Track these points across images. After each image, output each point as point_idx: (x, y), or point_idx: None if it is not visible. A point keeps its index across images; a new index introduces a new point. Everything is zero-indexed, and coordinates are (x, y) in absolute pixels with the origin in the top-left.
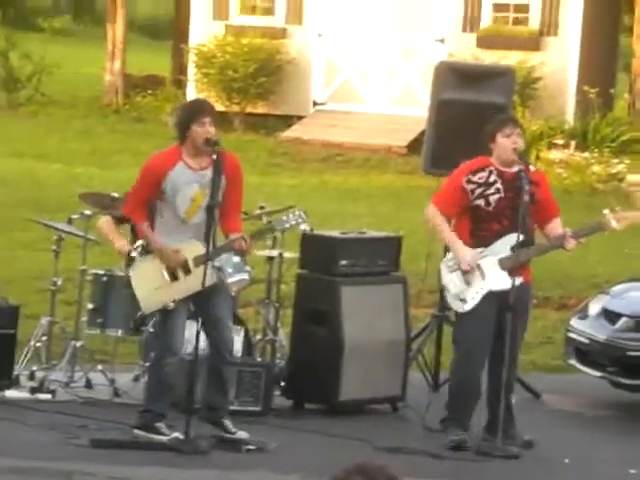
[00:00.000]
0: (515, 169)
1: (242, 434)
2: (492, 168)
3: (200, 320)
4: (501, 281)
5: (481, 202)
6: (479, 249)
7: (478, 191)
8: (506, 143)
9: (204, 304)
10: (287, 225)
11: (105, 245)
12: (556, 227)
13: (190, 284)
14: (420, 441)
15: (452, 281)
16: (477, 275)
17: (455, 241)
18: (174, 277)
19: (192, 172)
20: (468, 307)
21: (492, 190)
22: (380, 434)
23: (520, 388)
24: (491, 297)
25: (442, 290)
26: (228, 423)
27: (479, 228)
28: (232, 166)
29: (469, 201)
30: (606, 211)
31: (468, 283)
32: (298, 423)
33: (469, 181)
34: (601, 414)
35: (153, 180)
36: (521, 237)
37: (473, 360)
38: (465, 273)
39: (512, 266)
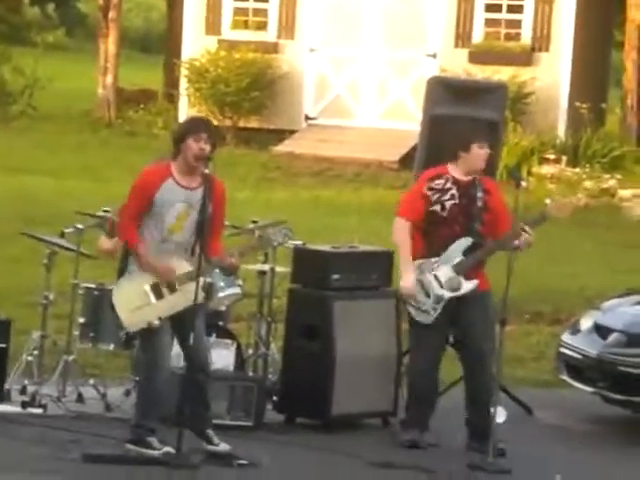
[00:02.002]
0: (469, 178)
1: (225, 446)
2: (449, 176)
3: (175, 333)
4: (459, 286)
5: (437, 207)
6: (433, 259)
7: (435, 197)
8: (480, 154)
9: (181, 318)
10: (274, 244)
11: (97, 259)
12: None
13: (175, 302)
14: (412, 456)
15: (409, 298)
16: (435, 284)
17: (405, 264)
18: (159, 295)
19: (181, 189)
20: (432, 318)
21: (447, 196)
22: (372, 449)
23: (512, 403)
24: (449, 303)
25: (404, 304)
26: (212, 434)
27: (432, 234)
28: (219, 191)
29: (428, 207)
30: (548, 201)
31: (427, 294)
32: (290, 438)
33: (429, 188)
34: (593, 429)
35: (144, 195)
36: (470, 240)
37: (433, 365)
38: (422, 275)
39: (467, 270)
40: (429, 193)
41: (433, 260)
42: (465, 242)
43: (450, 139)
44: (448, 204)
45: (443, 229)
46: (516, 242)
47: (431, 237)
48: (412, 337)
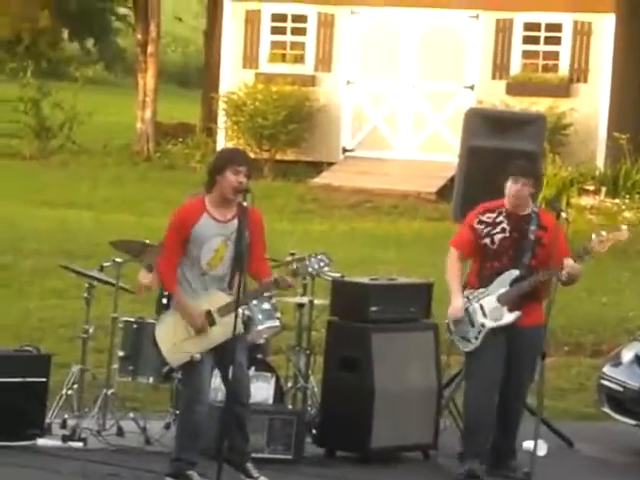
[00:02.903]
0: (527, 212)
1: (264, 479)
2: (502, 209)
3: (217, 367)
4: (501, 317)
5: (487, 241)
6: (481, 290)
7: (485, 230)
8: (510, 190)
9: (224, 352)
10: (309, 269)
11: (136, 293)
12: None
13: (215, 335)
14: None
15: (456, 326)
16: (479, 313)
17: (453, 289)
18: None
19: (216, 223)
20: (473, 346)
21: (497, 230)
22: None
23: (553, 436)
24: (498, 333)
25: (450, 334)
26: (251, 467)
27: (482, 266)
28: (256, 220)
29: (479, 240)
30: (594, 236)
31: (472, 323)
32: (330, 471)
33: (480, 221)
34: (635, 462)
35: (180, 233)
36: (517, 272)
37: (484, 395)
38: (456, 322)
39: (510, 300)
40: (478, 226)
41: (481, 290)
42: (513, 274)
43: (491, 170)
44: (497, 237)
45: (493, 261)
46: (562, 274)
47: (482, 269)
48: (465, 367)
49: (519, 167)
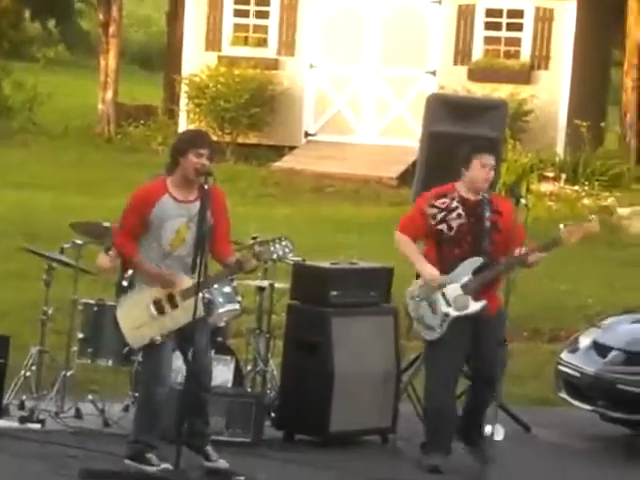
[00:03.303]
0: (479, 197)
1: (223, 463)
2: (455, 194)
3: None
4: (465, 306)
5: (443, 227)
6: (443, 276)
7: (440, 216)
8: (481, 174)
9: (186, 334)
10: (274, 256)
11: (96, 275)
12: (521, 250)
13: (177, 318)
14: (411, 473)
15: (419, 310)
16: (442, 302)
17: (418, 258)
18: (161, 311)
19: (178, 204)
20: (437, 335)
21: (453, 215)
22: (371, 466)
23: (510, 421)
24: (462, 322)
25: (410, 320)
26: (210, 450)
27: (442, 253)
28: (218, 199)
29: (431, 225)
30: (561, 226)
31: (434, 311)
32: (289, 454)
33: (432, 205)
34: (592, 447)
35: (140, 212)
36: (481, 260)
37: (446, 385)
38: (432, 291)
39: (475, 289)
40: (430, 211)
41: (443, 277)
42: (475, 262)
43: (451, 156)
44: (455, 223)
45: (452, 248)
46: (527, 263)
47: (441, 256)
48: (425, 358)
49: (486, 148)
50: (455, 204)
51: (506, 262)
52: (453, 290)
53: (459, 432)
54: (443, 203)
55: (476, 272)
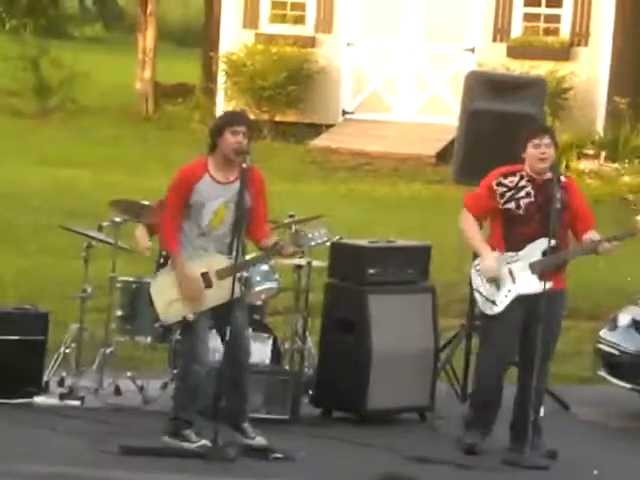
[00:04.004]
0: (547, 176)
1: (261, 440)
2: (523, 173)
3: (218, 328)
4: (531, 285)
5: (512, 205)
6: (510, 253)
7: (508, 194)
8: (534, 153)
9: (222, 313)
10: (312, 243)
11: (135, 253)
12: (591, 236)
13: (211, 297)
14: (448, 451)
15: (483, 284)
16: (508, 278)
17: (481, 246)
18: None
19: (218, 185)
20: (498, 310)
21: (522, 194)
22: (408, 444)
23: (549, 399)
24: (520, 301)
25: (472, 294)
26: (248, 428)
27: (510, 232)
28: (257, 180)
29: (499, 204)
30: (638, 217)
31: (498, 286)
32: (326, 432)
33: (499, 184)
34: (631, 426)
35: (182, 192)
36: (552, 242)
37: (498, 363)
38: (499, 266)
39: (542, 270)
40: (499, 189)
41: (510, 254)
42: (545, 242)
43: (491, 133)
44: (523, 202)
45: (521, 227)
46: (600, 250)
47: (509, 234)
48: (481, 333)
49: (537, 127)
50: (524, 183)
51: (580, 248)
52: (520, 268)
53: (513, 427)
54: (511, 181)
55: (545, 253)
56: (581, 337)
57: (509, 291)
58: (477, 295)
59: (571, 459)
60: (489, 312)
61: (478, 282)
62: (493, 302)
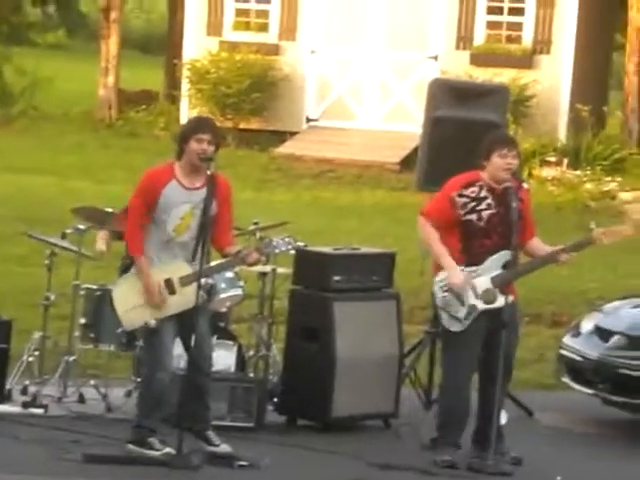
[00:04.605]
0: (504, 185)
1: (225, 447)
2: (482, 183)
3: (179, 336)
4: (494, 300)
5: (473, 217)
6: (472, 268)
7: (470, 205)
8: (500, 163)
9: (186, 320)
10: (277, 251)
11: (99, 260)
12: (539, 245)
13: (174, 304)
14: (413, 457)
15: (446, 300)
16: (470, 294)
17: (447, 261)
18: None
19: (184, 190)
20: (462, 326)
21: (483, 205)
22: (373, 450)
23: (512, 405)
24: (482, 316)
25: (436, 309)
26: (212, 435)
27: (470, 244)
28: (224, 187)
29: (460, 215)
30: (593, 226)
31: (462, 302)
32: (291, 439)
33: (461, 195)
34: (593, 431)
35: (147, 196)
36: (510, 254)
37: (463, 379)
38: (456, 292)
39: (505, 284)
40: (460, 200)
41: (472, 269)
42: (505, 255)
43: (454, 141)
44: (485, 214)
45: (481, 239)
46: (560, 260)
47: (469, 247)
48: (445, 348)
49: (505, 137)
50: (484, 193)
51: (538, 261)
52: (483, 283)
53: (476, 434)
54: (473, 192)
55: (505, 266)
56: (543, 344)
57: (473, 307)
58: (441, 312)
59: (535, 465)
60: (454, 329)
61: (441, 299)
62: (457, 319)
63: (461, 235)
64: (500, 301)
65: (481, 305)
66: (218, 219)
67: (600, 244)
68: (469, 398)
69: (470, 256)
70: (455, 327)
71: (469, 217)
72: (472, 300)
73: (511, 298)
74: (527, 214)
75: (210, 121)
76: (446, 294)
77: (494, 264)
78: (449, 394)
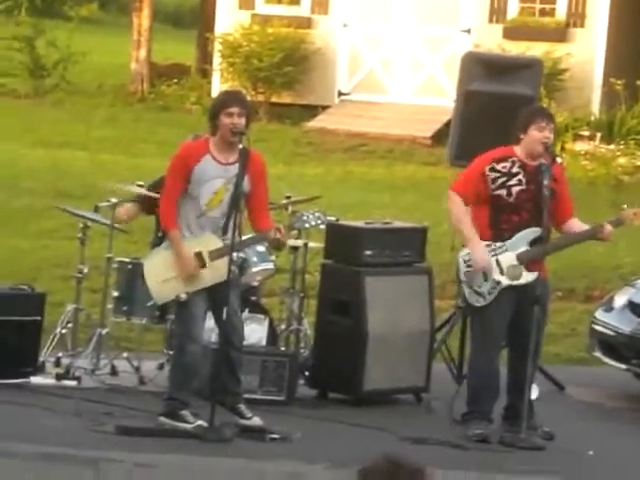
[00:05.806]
0: (538, 162)
1: (257, 420)
2: (515, 159)
3: (211, 309)
4: (519, 276)
5: (502, 192)
6: (499, 243)
7: (500, 180)
8: (538, 136)
9: (217, 294)
10: (307, 225)
11: (131, 233)
12: (575, 225)
13: (205, 277)
14: (444, 432)
15: (470, 275)
16: (495, 269)
17: (472, 238)
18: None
19: (218, 165)
20: (485, 302)
21: (514, 181)
22: (404, 424)
23: (544, 380)
24: (508, 292)
25: (460, 283)
26: (243, 408)
27: (498, 219)
28: (258, 164)
29: (490, 190)
30: (625, 206)
31: (486, 277)
32: (322, 413)
33: (492, 169)
34: (625, 406)
35: (182, 172)
36: (539, 231)
37: (491, 354)
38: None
39: (531, 261)
40: (490, 175)
41: (498, 244)
42: (533, 232)
43: (487, 114)
44: (515, 190)
45: (510, 215)
46: (602, 235)
47: (497, 222)
48: (471, 325)
49: (543, 111)
50: (516, 169)
51: (567, 239)
52: (508, 259)
53: (507, 410)
54: (504, 167)
55: (532, 243)
56: (576, 318)
57: (498, 283)
58: (464, 286)
59: (566, 439)
60: (476, 304)
61: (465, 273)
62: (480, 294)
63: (490, 210)
64: (526, 277)
65: (506, 281)
66: (253, 197)
67: (631, 224)
68: (497, 372)
69: (497, 231)
70: (478, 302)
71: (498, 192)
72: (497, 276)
73: (536, 275)
74: (563, 193)
75: (238, 94)
76: (470, 268)
77: (521, 241)
78: (477, 368)
